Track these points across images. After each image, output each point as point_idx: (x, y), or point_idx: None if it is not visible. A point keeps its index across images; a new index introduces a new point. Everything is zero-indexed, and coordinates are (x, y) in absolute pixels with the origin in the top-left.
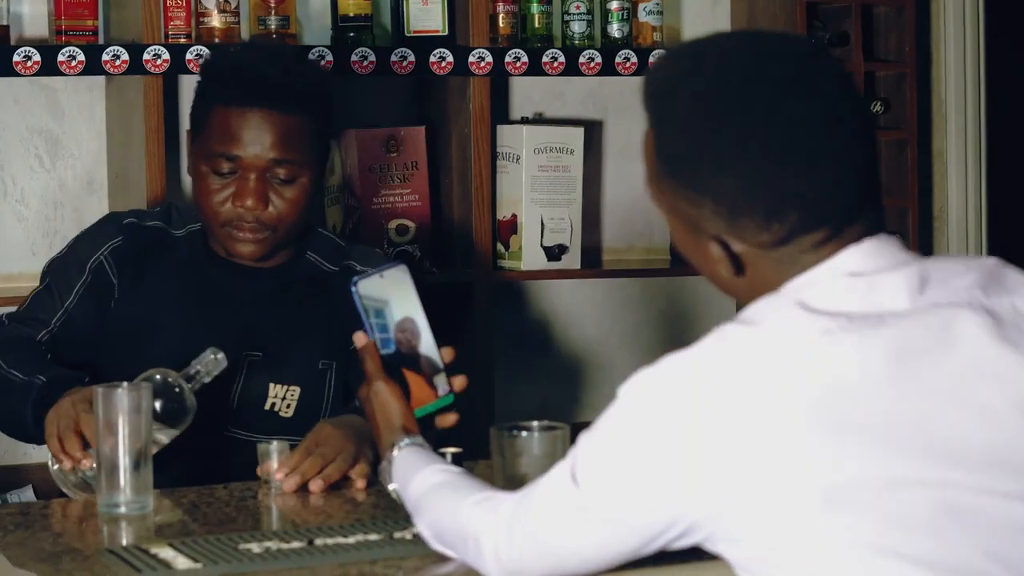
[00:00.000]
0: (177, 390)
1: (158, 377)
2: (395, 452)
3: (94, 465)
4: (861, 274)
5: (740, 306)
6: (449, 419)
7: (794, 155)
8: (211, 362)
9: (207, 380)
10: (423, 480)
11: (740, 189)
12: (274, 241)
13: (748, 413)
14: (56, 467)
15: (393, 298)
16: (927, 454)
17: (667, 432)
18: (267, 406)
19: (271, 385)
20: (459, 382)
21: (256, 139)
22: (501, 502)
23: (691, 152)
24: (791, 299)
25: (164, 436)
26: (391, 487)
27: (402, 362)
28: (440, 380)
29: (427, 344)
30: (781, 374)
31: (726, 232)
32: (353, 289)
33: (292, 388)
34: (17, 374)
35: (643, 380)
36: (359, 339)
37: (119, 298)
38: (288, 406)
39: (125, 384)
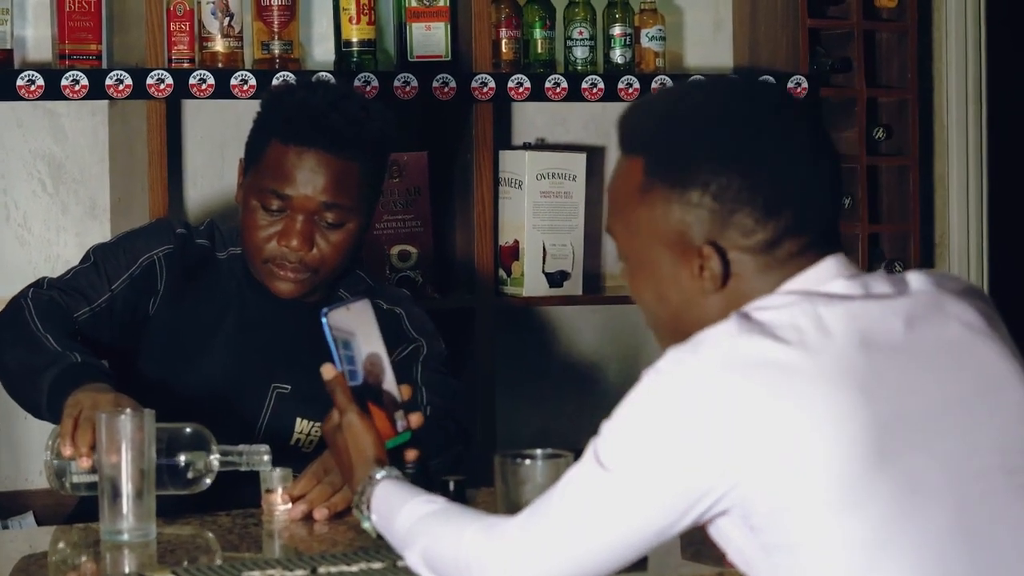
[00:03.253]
0: (211, 457)
1: (188, 430)
2: (373, 484)
3: (89, 468)
4: (854, 276)
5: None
6: (410, 454)
7: (798, 152)
8: (257, 456)
9: (241, 468)
10: (412, 511)
11: (745, 181)
12: (313, 283)
13: (782, 378)
14: (54, 460)
15: (359, 331)
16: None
17: (701, 403)
18: (292, 441)
19: (298, 420)
20: (416, 419)
21: (309, 181)
22: (507, 524)
23: (693, 150)
24: (795, 295)
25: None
26: (369, 520)
27: (368, 396)
28: (399, 416)
29: (389, 380)
30: (811, 339)
31: (719, 236)
32: (324, 320)
33: (317, 424)
34: (51, 340)
35: (671, 359)
36: (328, 371)
37: (158, 306)
38: (311, 442)
39: (128, 410)
